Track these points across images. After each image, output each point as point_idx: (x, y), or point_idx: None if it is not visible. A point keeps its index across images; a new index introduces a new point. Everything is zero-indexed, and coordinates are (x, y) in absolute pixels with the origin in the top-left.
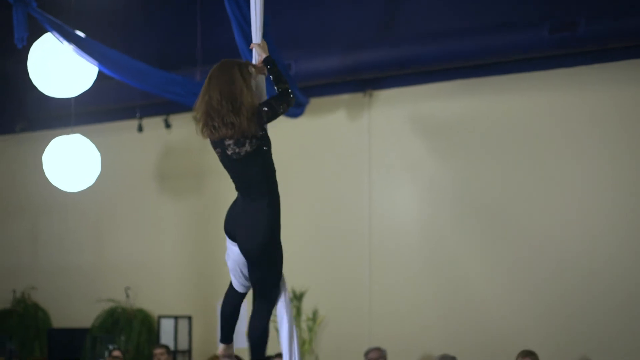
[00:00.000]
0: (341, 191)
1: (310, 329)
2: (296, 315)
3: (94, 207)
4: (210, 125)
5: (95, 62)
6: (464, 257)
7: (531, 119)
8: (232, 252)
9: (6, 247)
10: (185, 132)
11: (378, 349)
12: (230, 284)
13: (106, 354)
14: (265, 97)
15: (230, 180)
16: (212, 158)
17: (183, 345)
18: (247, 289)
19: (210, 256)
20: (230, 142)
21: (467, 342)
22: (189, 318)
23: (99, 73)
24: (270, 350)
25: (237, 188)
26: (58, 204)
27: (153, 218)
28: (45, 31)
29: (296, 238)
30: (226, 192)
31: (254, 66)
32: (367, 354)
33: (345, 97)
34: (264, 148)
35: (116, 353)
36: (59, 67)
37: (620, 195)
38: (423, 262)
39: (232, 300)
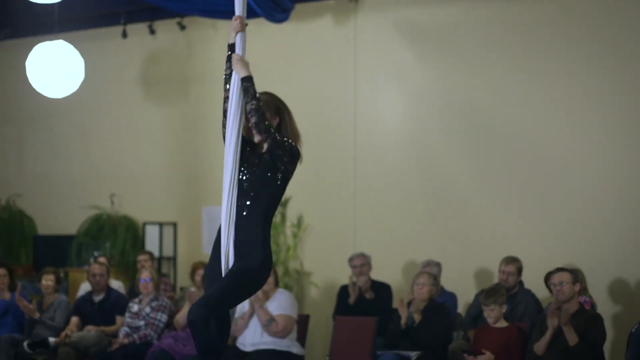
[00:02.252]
0: (326, 98)
1: (295, 235)
2: (280, 222)
3: (79, 115)
4: None
5: None
6: (450, 164)
7: (523, 25)
8: None
9: None
10: (169, 38)
11: (362, 255)
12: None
13: (91, 260)
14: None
15: (216, 86)
16: (197, 64)
17: (168, 251)
18: None
19: (196, 163)
20: None
21: (452, 249)
22: (174, 225)
23: None
24: None
25: None
26: (43, 112)
27: (138, 125)
28: None
29: None
30: (212, 98)
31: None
32: (351, 260)
33: (331, 2)
34: None
35: (102, 259)
36: None
37: (615, 102)
38: (409, 168)
39: None
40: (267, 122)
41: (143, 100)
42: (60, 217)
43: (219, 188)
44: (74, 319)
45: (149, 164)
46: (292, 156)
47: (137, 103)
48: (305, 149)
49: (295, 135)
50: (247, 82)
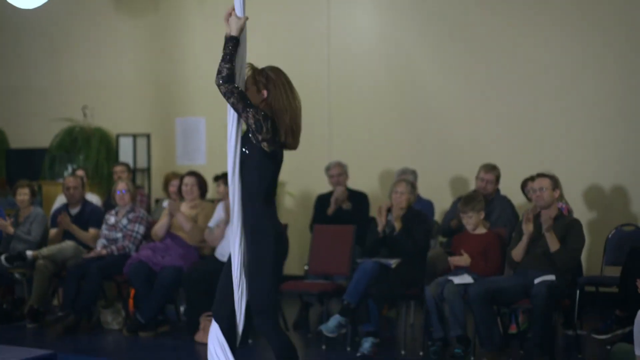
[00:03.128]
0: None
1: None
2: None
3: (49, 26)
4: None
5: None
6: (426, 68)
7: None
8: None
9: None
10: None
11: (339, 165)
12: None
13: (65, 173)
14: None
15: None
16: None
17: (142, 163)
18: None
19: (169, 73)
20: None
21: (428, 157)
22: (148, 136)
23: None
24: None
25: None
26: (12, 23)
27: (110, 36)
28: None
29: (253, 53)
30: (184, 8)
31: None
32: (328, 169)
33: None
34: None
35: (79, 172)
36: None
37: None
38: (384, 76)
39: None
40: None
41: (114, 10)
42: (32, 130)
43: (192, 99)
44: (53, 231)
45: (122, 75)
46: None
47: (107, 14)
48: (278, 58)
49: (283, 110)
50: (230, 42)
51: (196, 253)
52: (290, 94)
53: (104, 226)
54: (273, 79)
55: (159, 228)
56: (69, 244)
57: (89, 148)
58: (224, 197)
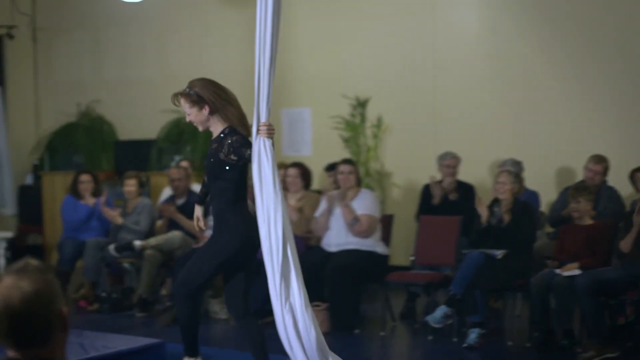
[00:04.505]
0: None
1: (375, 136)
2: (360, 122)
3: (156, 18)
4: None
5: None
6: (533, 59)
7: None
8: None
9: (69, 60)
10: None
11: (455, 157)
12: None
13: (172, 164)
14: None
15: None
16: None
17: None
18: None
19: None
20: None
21: (535, 147)
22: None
23: None
24: None
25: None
26: (120, 15)
27: (216, 26)
28: None
29: (359, 44)
30: None
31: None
32: (442, 159)
33: None
34: None
35: (184, 164)
36: None
37: None
38: (489, 64)
39: None
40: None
41: (219, 1)
42: (140, 122)
43: (298, 90)
44: (159, 222)
45: (228, 67)
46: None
47: (213, 4)
48: (385, 49)
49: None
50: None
51: (303, 243)
52: (221, 91)
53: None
54: (202, 92)
55: None
56: (176, 234)
57: (196, 139)
58: (329, 188)
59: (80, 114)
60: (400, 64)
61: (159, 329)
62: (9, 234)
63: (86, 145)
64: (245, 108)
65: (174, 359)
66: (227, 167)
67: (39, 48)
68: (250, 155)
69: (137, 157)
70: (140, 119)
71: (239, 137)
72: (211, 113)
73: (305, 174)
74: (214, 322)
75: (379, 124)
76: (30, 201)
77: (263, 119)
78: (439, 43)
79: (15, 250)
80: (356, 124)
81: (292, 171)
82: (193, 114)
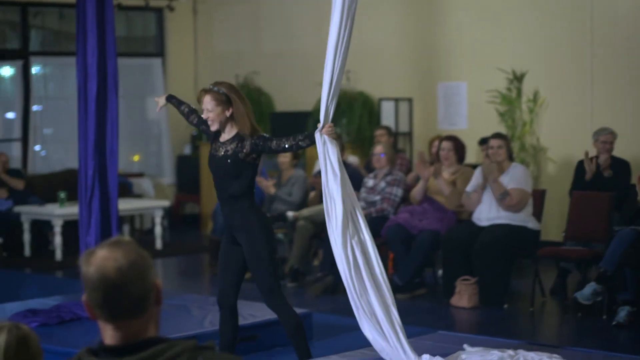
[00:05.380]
0: None
1: (531, 111)
2: (516, 97)
3: None
4: None
5: None
6: None
7: None
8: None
9: (228, 32)
10: None
11: (611, 133)
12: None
13: None
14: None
15: None
16: None
17: (404, 127)
18: None
19: (431, 38)
20: None
21: None
22: (410, 100)
23: None
24: None
25: None
26: None
27: (371, 0)
28: None
29: (516, 18)
30: None
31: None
32: (598, 135)
33: None
34: None
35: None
36: None
37: None
38: None
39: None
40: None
41: None
42: (297, 94)
43: (454, 64)
44: (312, 194)
45: (385, 39)
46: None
47: None
48: (542, 22)
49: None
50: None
51: (454, 217)
52: (244, 101)
53: (362, 189)
54: (230, 95)
55: (417, 191)
56: None
57: (352, 112)
58: (484, 162)
59: (239, 85)
60: (558, 37)
61: (309, 299)
62: (166, 203)
63: None
64: (397, 79)
65: (321, 330)
66: (248, 166)
67: (199, 20)
68: (280, 145)
69: (293, 128)
70: (297, 90)
71: (259, 135)
72: (231, 117)
73: (459, 147)
74: None
75: (535, 98)
76: (188, 171)
77: (329, 120)
78: (598, 17)
79: (172, 219)
80: (512, 98)
81: (446, 144)
82: (215, 113)
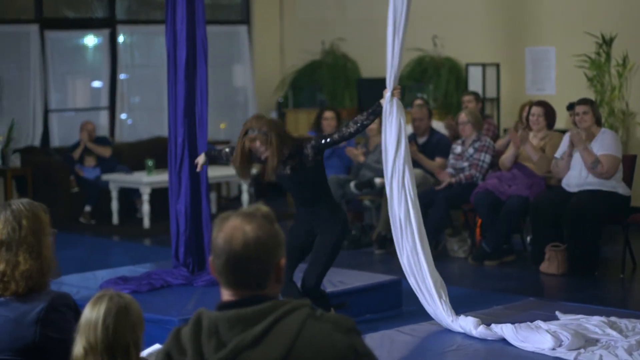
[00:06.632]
0: None
1: (620, 75)
2: (605, 61)
3: None
4: None
5: None
6: None
7: None
8: None
9: None
10: None
11: None
12: None
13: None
14: None
15: None
16: None
17: (491, 93)
18: None
19: (519, 2)
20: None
21: None
22: (497, 65)
23: None
24: None
25: None
26: None
27: None
28: None
29: None
30: None
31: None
32: None
33: None
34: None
35: (418, 101)
36: None
37: None
38: None
39: None
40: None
41: None
42: (383, 60)
43: (542, 28)
44: None
45: (472, 4)
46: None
47: None
48: None
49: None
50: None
51: (543, 183)
52: (279, 128)
53: (450, 155)
54: (270, 133)
55: (507, 158)
56: (417, 172)
57: (439, 78)
58: (572, 128)
59: (324, 52)
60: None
61: (396, 265)
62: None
63: (329, 83)
64: (484, 44)
65: (410, 296)
66: (317, 169)
67: None
68: (346, 132)
69: (380, 95)
70: (383, 57)
71: (315, 137)
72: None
73: (549, 113)
74: (452, 260)
75: (624, 63)
76: None
77: (394, 84)
78: None
79: (260, 186)
80: (601, 62)
81: (536, 109)
82: (270, 151)
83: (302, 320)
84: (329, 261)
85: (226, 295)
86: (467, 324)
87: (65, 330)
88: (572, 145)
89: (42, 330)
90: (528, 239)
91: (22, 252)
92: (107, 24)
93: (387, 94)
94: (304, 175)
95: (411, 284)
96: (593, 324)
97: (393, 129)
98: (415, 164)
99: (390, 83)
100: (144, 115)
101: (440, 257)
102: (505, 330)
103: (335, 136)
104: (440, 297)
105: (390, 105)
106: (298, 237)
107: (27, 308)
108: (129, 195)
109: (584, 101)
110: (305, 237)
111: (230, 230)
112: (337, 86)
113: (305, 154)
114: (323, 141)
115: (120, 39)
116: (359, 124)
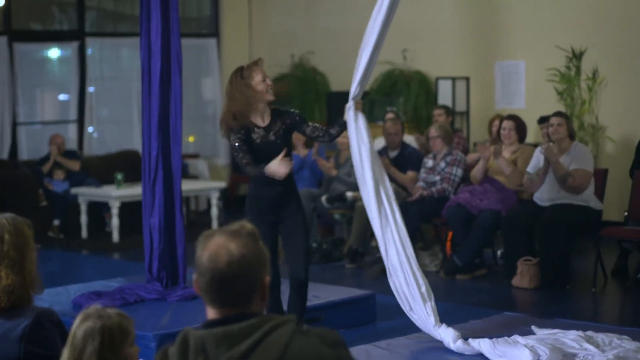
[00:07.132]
0: None
1: (590, 89)
2: (575, 75)
3: None
4: None
5: None
6: None
7: None
8: None
9: (282, 12)
10: None
11: None
12: None
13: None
14: None
15: None
16: None
17: (461, 106)
18: None
19: (488, 17)
20: None
21: None
22: (467, 79)
23: None
24: None
25: None
26: None
27: None
28: None
29: None
30: None
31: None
32: None
33: None
34: None
35: (389, 115)
36: None
37: None
38: None
39: None
40: None
41: None
42: (352, 73)
43: (511, 43)
44: None
45: (441, 18)
46: None
47: None
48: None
49: None
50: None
51: (515, 197)
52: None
53: (422, 170)
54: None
55: (477, 171)
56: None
57: (409, 91)
58: (544, 141)
59: (294, 65)
60: (617, 15)
61: (368, 280)
62: (222, 184)
63: (299, 96)
64: (454, 57)
65: (384, 310)
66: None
67: (254, 0)
68: (314, 133)
69: None
70: (352, 70)
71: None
72: None
73: (520, 126)
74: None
75: (594, 77)
76: None
77: (358, 98)
78: None
79: (228, 200)
80: (571, 76)
81: (507, 123)
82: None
83: (289, 335)
84: (307, 244)
85: (211, 313)
86: (447, 335)
87: (50, 347)
88: (547, 162)
89: (26, 347)
90: (499, 252)
91: (4, 267)
92: (76, 36)
93: (349, 109)
94: (285, 144)
95: (394, 284)
96: (570, 338)
97: (362, 139)
98: (388, 177)
99: (353, 97)
100: (113, 129)
101: None
102: (482, 345)
103: (308, 129)
104: (425, 301)
105: (353, 120)
106: (265, 239)
107: (12, 325)
108: (98, 209)
109: (559, 114)
110: (270, 235)
111: (214, 248)
112: (306, 100)
113: (287, 118)
114: (302, 121)
115: (89, 51)
116: (326, 133)
